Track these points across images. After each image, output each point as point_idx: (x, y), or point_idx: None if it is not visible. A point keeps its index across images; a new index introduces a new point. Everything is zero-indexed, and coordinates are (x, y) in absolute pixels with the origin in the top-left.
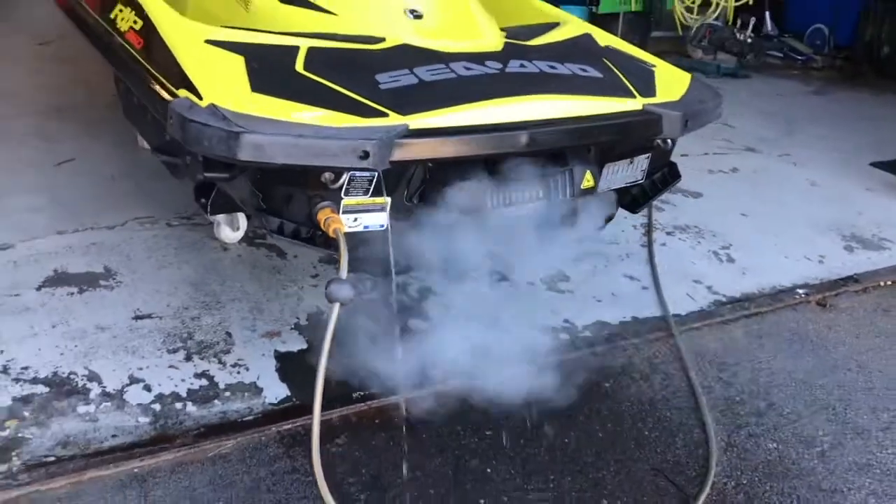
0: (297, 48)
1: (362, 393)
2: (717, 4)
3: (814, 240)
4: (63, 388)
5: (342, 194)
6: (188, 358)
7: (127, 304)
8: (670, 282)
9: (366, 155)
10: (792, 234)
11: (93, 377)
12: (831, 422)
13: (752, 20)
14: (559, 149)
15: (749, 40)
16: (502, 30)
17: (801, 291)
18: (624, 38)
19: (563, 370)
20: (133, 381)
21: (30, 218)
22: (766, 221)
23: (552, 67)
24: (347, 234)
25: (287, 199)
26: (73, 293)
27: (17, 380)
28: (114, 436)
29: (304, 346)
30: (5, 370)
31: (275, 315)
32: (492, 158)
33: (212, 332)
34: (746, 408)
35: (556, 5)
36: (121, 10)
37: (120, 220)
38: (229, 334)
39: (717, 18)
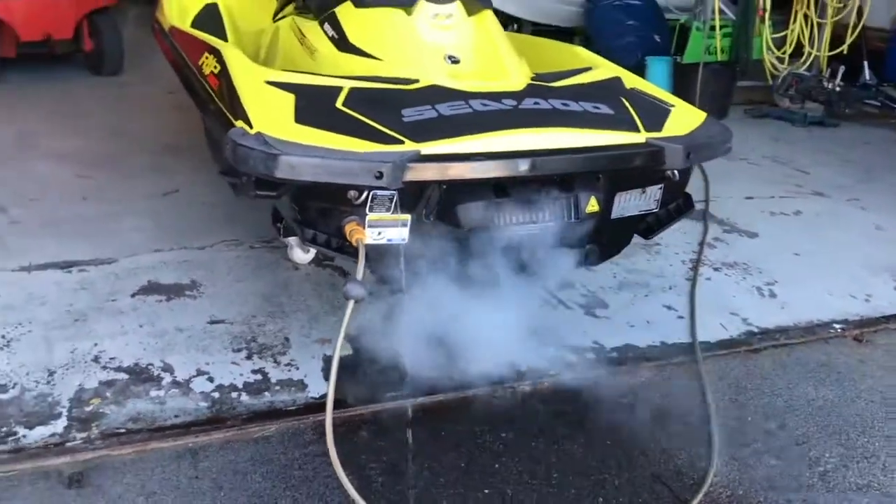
0: (340, 88)
1: (394, 393)
2: (809, 54)
3: (864, 279)
4: (140, 376)
5: (367, 210)
6: (249, 357)
7: (204, 311)
8: (706, 312)
9: (381, 175)
10: (842, 274)
11: (166, 368)
12: (841, 446)
13: (842, 69)
14: (562, 175)
15: (838, 89)
16: (538, 74)
17: (837, 326)
18: (706, 87)
19: (584, 384)
20: (199, 373)
21: (134, 238)
22: (818, 261)
23: (565, 105)
24: (375, 246)
25: (320, 213)
26: (161, 300)
27: (104, 367)
28: (176, 416)
29: (350, 352)
30: (96, 359)
31: (329, 325)
32: (500, 182)
33: (272, 337)
34: (757, 428)
35: (645, 56)
36: (206, 58)
37: (210, 242)
38: (287, 339)
39: (809, 68)
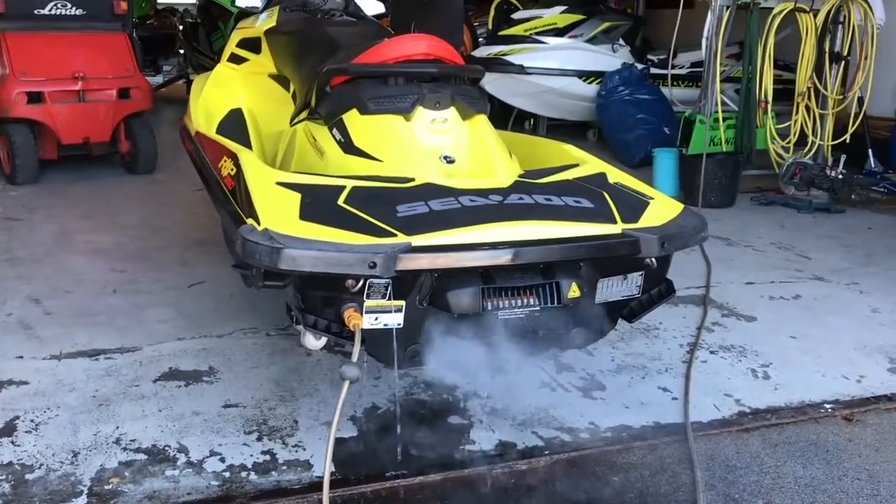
0: (343, 187)
1: (394, 472)
2: (813, 143)
3: (858, 361)
4: (157, 457)
5: (364, 298)
6: (259, 438)
7: (220, 396)
8: (700, 394)
9: (374, 265)
10: (836, 356)
11: (182, 449)
12: None
13: (843, 157)
14: (542, 264)
15: (840, 176)
16: (527, 171)
17: (828, 406)
18: (712, 177)
19: (578, 463)
20: (212, 454)
21: (158, 327)
22: (813, 343)
23: (548, 199)
24: (371, 331)
25: (320, 300)
26: (180, 385)
27: (124, 449)
28: (188, 493)
29: (355, 433)
30: (117, 441)
31: (326, 415)
32: (487, 271)
33: (282, 420)
34: None
35: (653, 148)
36: (225, 161)
37: (229, 330)
38: (296, 422)
39: (814, 157)
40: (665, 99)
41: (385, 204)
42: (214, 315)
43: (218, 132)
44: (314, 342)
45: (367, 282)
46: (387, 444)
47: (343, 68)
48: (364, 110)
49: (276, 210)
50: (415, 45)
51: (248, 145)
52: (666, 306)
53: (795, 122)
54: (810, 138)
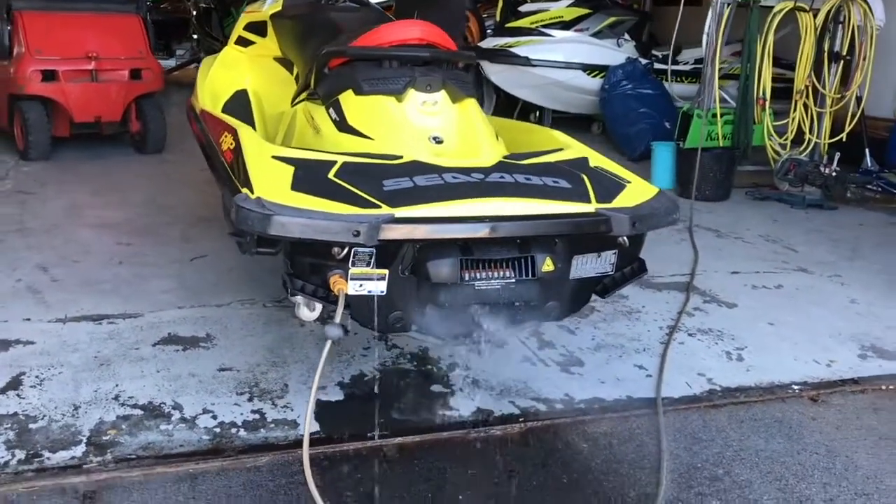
0: (334, 162)
1: (377, 433)
2: (810, 141)
3: (831, 347)
4: (153, 413)
5: (350, 265)
6: (250, 399)
7: (216, 360)
8: (675, 372)
9: (358, 233)
10: (810, 342)
11: (176, 407)
12: (780, 490)
13: (838, 155)
14: (519, 238)
15: (833, 174)
16: (513, 154)
17: (796, 387)
18: (707, 170)
19: (550, 432)
20: (205, 411)
21: (160, 296)
22: (789, 330)
23: (528, 179)
24: (356, 297)
25: (308, 267)
26: (178, 350)
27: (123, 404)
28: (181, 445)
29: (342, 397)
30: (116, 398)
31: (326, 374)
32: (465, 243)
33: (273, 383)
34: (704, 473)
35: (651, 142)
36: (225, 136)
37: (227, 301)
38: (286, 385)
39: (810, 154)
40: (668, 94)
41: (372, 178)
42: (214, 286)
43: (223, 111)
44: (308, 314)
45: (353, 250)
46: (370, 408)
47: (340, 50)
48: (358, 91)
49: (269, 181)
50: (409, 31)
51: (251, 124)
52: (650, 291)
53: (793, 119)
54: (807, 136)
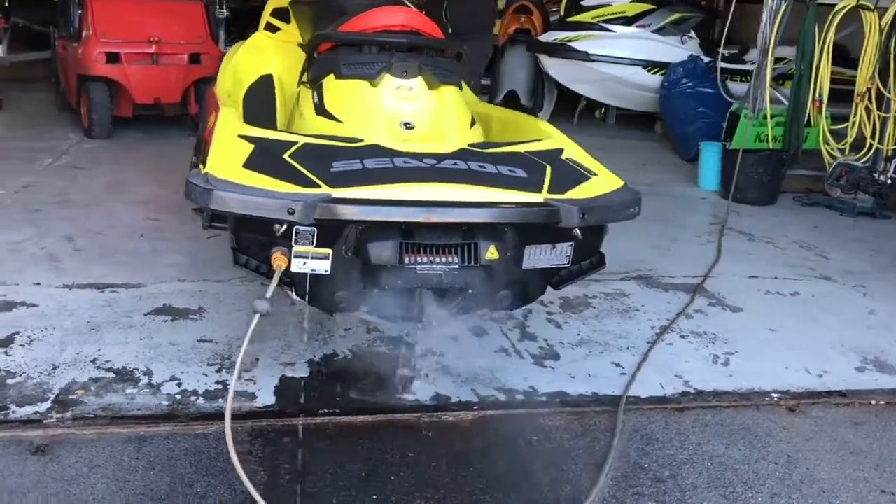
0: (294, 143)
1: (326, 410)
2: (871, 146)
3: (829, 358)
4: (124, 377)
5: (293, 243)
6: (219, 370)
7: (199, 331)
8: (651, 372)
9: (292, 211)
10: (808, 351)
11: (147, 373)
12: (724, 497)
13: (894, 162)
14: (464, 225)
15: (889, 181)
16: (483, 143)
17: (776, 395)
18: (751, 172)
19: (501, 421)
20: (172, 379)
21: (167, 269)
22: (790, 337)
23: (482, 167)
24: (298, 275)
25: (253, 243)
26: (167, 320)
27: (98, 367)
28: (138, 409)
29: (307, 374)
30: (94, 361)
31: (299, 352)
32: (407, 226)
33: (245, 356)
34: (649, 474)
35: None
36: (213, 115)
37: (227, 277)
38: (257, 359)
39: (872, 161)
40: (729, 94)
41: (324, 160)
42: (221, 263)
43: (246, 95)
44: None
45: (294, 228)
46: (330, 386)
47: (325, 35)
48: (338, 75)
49: (224, 158)
50: (393, 17)
51: (273, 109)
52: (655, 291)
53: (853, 123)
54: (869, 141)
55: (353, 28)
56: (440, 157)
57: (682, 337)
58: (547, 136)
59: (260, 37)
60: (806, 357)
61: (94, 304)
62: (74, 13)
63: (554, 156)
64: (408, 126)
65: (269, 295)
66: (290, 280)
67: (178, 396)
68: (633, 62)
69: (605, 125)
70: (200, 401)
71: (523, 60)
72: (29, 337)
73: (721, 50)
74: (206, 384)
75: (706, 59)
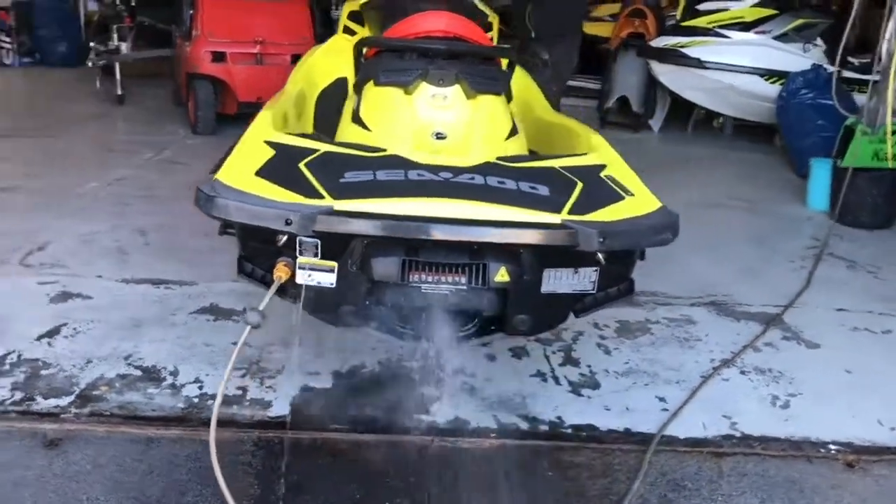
0: (315, 151)
1: (338, 426)
2: None
3: None
4: (150, 375)
5: (297, 254)
6: (244, 375)
7: (237, 334)
8: (697, 410)
9: (289, 222)
10: (887, 399)
11: (174, 373)
12: None
13: None
14: (474, 244)
15: None
16: (517, 156)
17: (833, 448)
18: (864, 194)
19: (517, 452)
20: (196, 381)
21: (222, 269)
22: (868, 381)
23: (501, 182)
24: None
25: (259, 252)
26: (209, 320)
27: (129, 364)
28: (153, 410)
29: (329, 385)
30: (127, 357)
31: (327, 361)
32: (413, 242)
33: (274, 363)
34: None
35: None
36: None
37: None
38: (283, 367)
39: None
40: (853, 106)
41: (337, 170)
42: None
43: (319, 97)
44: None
45: (298, 239)
46: (349, 400)
47: (365, 40)
48: (377, 82)
49: (239, 164)
50: (434, 22)
51: (341, 111)
52: (726, 319)
53: None
54: None
55: (397, 33)
56: (458, 171)
57: (742, 372)
58: (595, 149)
59: (338, 39)
60: (880, 407)
61: (145, 300)
62: (187, 13)
63: (591, 172)
64: (439, 136)
65: (261, 307)
66: (296, 293)
67: (196, 399)
68: (749, 70)
69: (722, 136)
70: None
71: (635, 66)
72: (75, 329)
73: (850, 58)
74: (227, 389)
75: (829, 69)
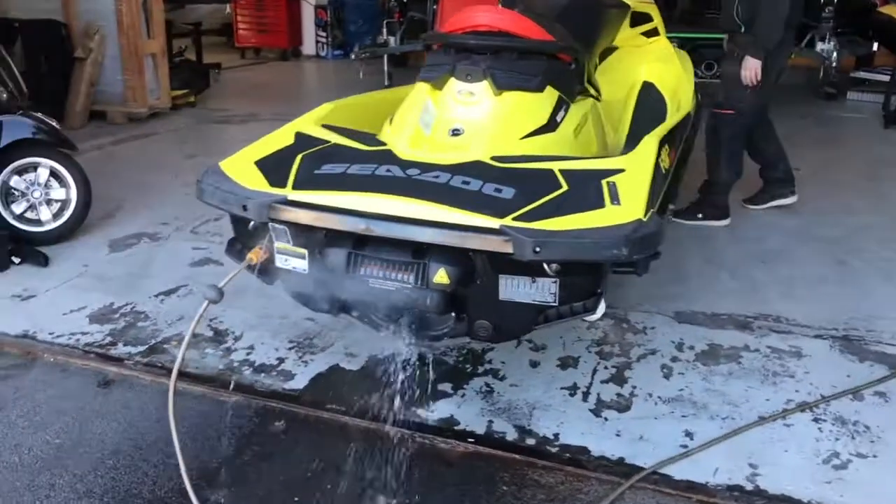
0: (325, 142)
1: (334, 406)
2: None
3: None
4: (216, 337)
5: (274, 240)
6: (291, 349)
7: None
8: (723, 452)
9: (244, 208)
10: None
11: (237, 338)
12: None
13: None
14: (424, 243)
15: None
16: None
17: None
18: None
19: (490, 462)
20: (249, 347)
21: None
22: None
23: (465, 183)
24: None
25: (244, 234)
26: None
27: (208, 325)
28: (197, 367)
29: (356, 368)
30: (212, 319)
31: (372, 345)
32: (361, 237)
33: (323, 340)
34: None
35: None
36: None
37: None
38: (331, 345)
39: None
40: None
41: (317, 161)
42: None
43: None
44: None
45: (270, 225)
46: (366, 385)
47: (429, 36)
48: (420, 77)
49: (250, 153)
50: (481, 17)
51: None
52: (845, 358)
53: None
54: None
55: (449, 28)
56: (429, 169)
57: (815, 420)
58: (630, 154)
59: None
60: None
61: None
62: (430, 9)
63: (590, 177)
64: (455, 132)
65: (221, 285)
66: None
67: (236, 364)
68: None
69: None
70: (248, 372)
71: None
72: (189, 290)
73: None
74: (267, 358)
75: None
